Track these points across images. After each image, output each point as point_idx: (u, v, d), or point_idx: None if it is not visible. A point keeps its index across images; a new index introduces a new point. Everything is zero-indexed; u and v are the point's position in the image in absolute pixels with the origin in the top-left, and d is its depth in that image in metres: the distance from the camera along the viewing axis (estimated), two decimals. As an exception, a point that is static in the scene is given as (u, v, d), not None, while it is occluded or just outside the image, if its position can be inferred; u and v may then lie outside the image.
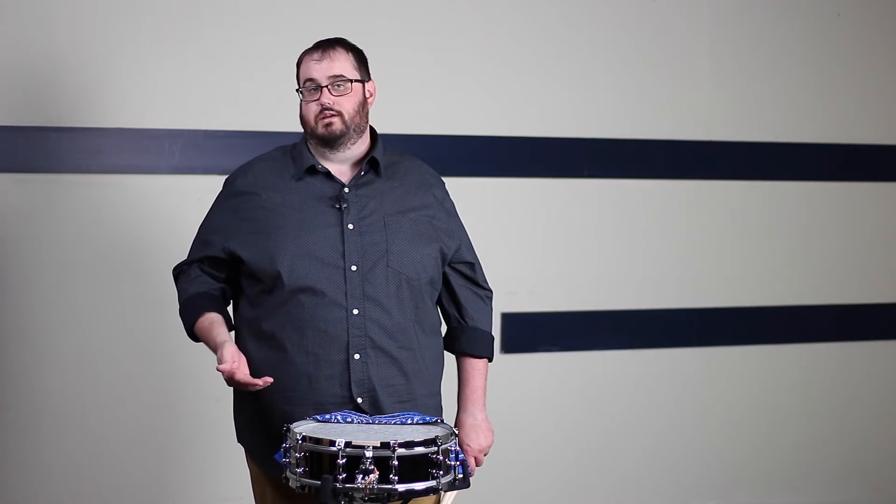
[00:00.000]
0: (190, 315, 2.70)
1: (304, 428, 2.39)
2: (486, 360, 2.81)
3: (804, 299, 4.52)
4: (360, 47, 2.75)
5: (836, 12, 4.49)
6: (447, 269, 2.76)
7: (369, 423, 2.45)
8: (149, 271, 3.75)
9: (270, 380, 2.50)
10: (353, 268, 2.60)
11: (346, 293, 2.59)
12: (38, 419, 3.73)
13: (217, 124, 3.82)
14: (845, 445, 4.59)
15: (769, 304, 4.48)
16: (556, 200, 4.22)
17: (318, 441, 2.27)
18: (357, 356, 2.58)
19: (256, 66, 3.84)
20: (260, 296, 2.64)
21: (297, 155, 2.71)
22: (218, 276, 2.73)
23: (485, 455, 2.80)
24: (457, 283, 2.78)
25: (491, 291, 2.85)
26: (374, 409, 2.59)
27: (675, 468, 4.39)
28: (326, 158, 2.70)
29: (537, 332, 4.23)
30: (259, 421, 2.64)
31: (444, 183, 2.83)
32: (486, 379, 2.81)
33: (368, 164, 2.70)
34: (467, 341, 2.79)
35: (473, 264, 2.80)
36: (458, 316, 2.80)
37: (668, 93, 4.32)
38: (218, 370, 2.49)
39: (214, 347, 2.59)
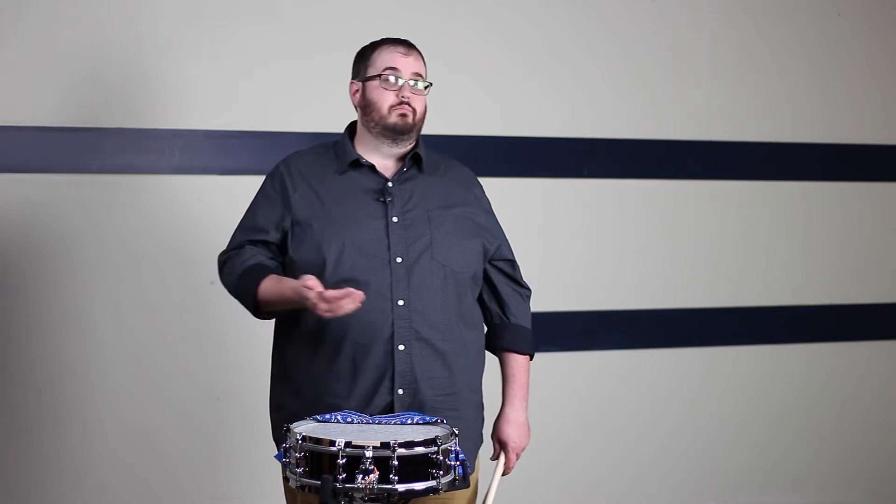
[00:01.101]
0: (251, 284, 2.60)
1: (304, 428, 2.39)
2: (528, 357, 2.81)
3: (804, 299, 4.52)
4: (357, 47, 2.76)
5: (837, 12, 4.49)
6: (488, 266, 2.77)
7: (369, 423, 2.45)
8: (149, 271, 3.76)
9: (361, 294, 2.42)
10: (399, 259, 2.60)
11: (391, 285, 2.58)
12: (38, 419, 3.72)
13: (217, 124, 3.81)
14: (845, 445, 4.58)
15: (769, 304, 4.48)
16: (556, 200, 4.21)
17: (317, 441, 2.27)
18: (402, 347, 2.58)
19: (257, 65, 3.84)
20: None
21: (340, 151, 2.72)
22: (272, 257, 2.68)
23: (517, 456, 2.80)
24: (498, 280, 2.79)
25: (530, 290, 2.85)
26: (413, 402, 2.57)
27: (676, 468, 4.39)
28: (374, 153, 2.70)
29: (537, 332, 4.19)
30: (305, 415, 2.52)
31: (481, 184, 2.85)
32: (528, 376, 2.81)
33: (412, 160, 2.72)
34: (511, 338, 2.79)
35: (513, 262, 2.82)
36: (500, 313, 2.79)
37: (668, 93, 4.32)
38: (306, 287, 2.40)
39: (291, 291, 2.49)
